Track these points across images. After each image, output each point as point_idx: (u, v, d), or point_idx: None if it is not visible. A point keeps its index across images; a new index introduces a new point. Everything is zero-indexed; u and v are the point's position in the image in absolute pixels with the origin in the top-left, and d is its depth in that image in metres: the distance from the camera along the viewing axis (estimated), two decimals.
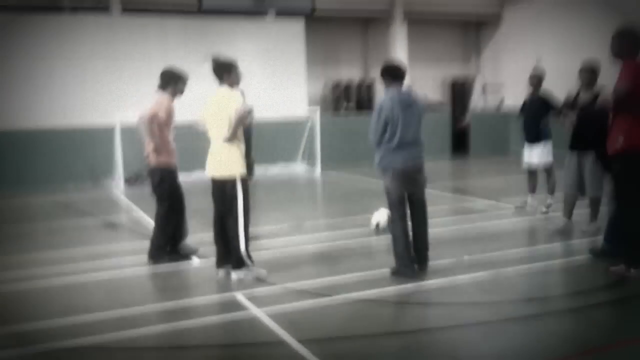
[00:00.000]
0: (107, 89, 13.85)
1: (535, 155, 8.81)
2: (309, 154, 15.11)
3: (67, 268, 6.56)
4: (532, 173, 9.05)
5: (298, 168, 15.14)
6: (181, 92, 6.75)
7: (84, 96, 13.80)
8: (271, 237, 7.86)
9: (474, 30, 20.03)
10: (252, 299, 5.42)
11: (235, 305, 5.29)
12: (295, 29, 15.80)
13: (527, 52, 17.17)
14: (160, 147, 6.57)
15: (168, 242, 6.73)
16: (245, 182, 6.01)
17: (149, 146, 6.63)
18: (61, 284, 6.08)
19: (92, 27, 13.98)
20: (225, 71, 6.01)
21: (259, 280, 5.94)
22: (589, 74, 7.22)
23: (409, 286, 5.66)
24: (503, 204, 9.44)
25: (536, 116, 8.68)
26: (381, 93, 19.13)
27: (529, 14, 17.77)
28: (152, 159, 6.63)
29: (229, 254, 6.07)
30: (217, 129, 5.95)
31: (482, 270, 6.06)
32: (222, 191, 5.99)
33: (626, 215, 5.76)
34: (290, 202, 10.82)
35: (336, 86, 17.95)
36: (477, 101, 19.68)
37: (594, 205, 7.39)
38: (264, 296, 5.55)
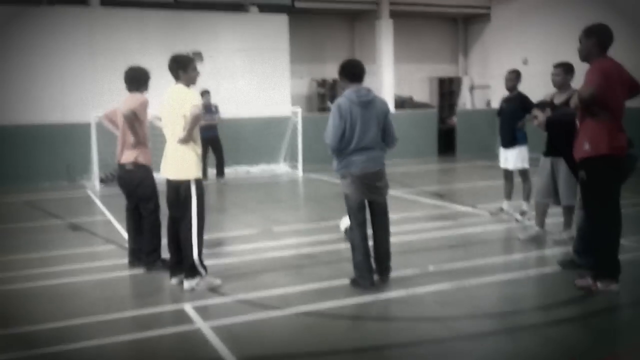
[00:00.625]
0: (84, 84, 13.59)
1: (511, 160, 8.58)
2: (291, 154, 14.87)
3: (17, 273, 6.33)
4: (507, 178, 8.82)
5: (280, 169, 14.92)
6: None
7: (61, 91, 13.55)
8: (236, 243, 7.65)
9: (461, 27, 19.75)
10: (200, 311, 5.20)
11: (181, 318, 5.07)
12: (279, 24, 15.54)
13: (516, 50, 16.94)
14: (141, 144, 6.34)
15: (160, 245, 6.46)
16: (200, 185, 5.79)
17: (124, 143, 6.39)
18: (4, 290, 5.86)
19: (70, 20, 13.70)
20: (181, 68, 5.76)
21: (212, 290, 5.72)
22: (561, 75, 6.97)
23: (367, 298, 5.44)
24: (478, 210, 9.22)
25: (511, 119, 8.42)
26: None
27: (519, 10, 17.45)
28: (131, 157, 6.36)
29: (182, 261, 5.84)
30: (172, 128, 5.73)
31: (445, 281, 5.84)
32: (176, 194, 5.76)
33: (593, 226, 5.54)
34: (264, 204, 10.58)
35: (321, 84, 17.70)
36: (464, 100, 19.45)
37: (567, 213, 7.16)
38: (213, 308, 5.33)
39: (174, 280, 5.94)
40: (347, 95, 5.68)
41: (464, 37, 19.79)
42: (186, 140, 5.65)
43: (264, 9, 15.44)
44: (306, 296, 5.54)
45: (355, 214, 5.74)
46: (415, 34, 18.90)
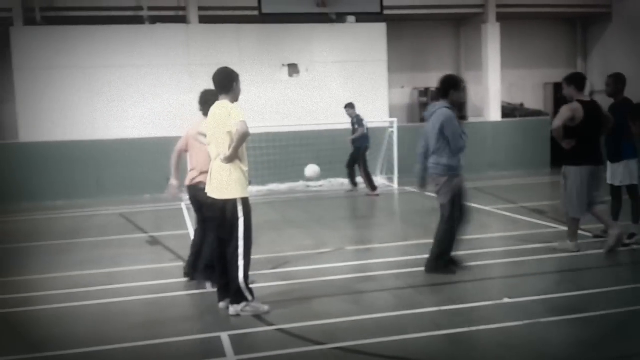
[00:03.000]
0: (180, 98, 13.79)
1: (617, 175, 7.50)
2: (386, 166, 14.28)
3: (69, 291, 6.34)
4: (614, 196, 7.72)
5: (377, 182, 14.34)
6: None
7: (160, 106, 13.92)
8: (302, 262, 7.23)
9: (579, 28, 18.14)
10: (236, 340, 4.82)
11: (214, 348, 4.71)
12: (376, 33, 15.04)
13: None
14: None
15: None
16: (247, 204, 5.43)
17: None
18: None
19: (169, 36, 14.08)
20: (230, 83, 5.46)
21: (257, 317, 5.33)
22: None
23: (418, 334, 4.79)
24: (581, 231, 8.13)
25: (617, 129, 7.34)
26: (474, 98, 17.93)
27: None
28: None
29: (229, 285, 5.51)
30: (216, 146, 5.42)
31: (513, 320, 5.04)
32: (223, 214, 5.45)
33: None
34: (346, 220, 10.09)
35: (424, 93, 16.94)
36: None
37: None
38: (250, 338, 4.95)
39: (222, 304, 5.62)
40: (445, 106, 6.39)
41: (583, 38, 18.17)
42: (232, 158, 5.31)
43: (361, 18, 15.00)
44: (354, 330, 4.98)
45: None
46: (527, 37, 17.60)
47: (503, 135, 16.01)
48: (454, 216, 6.36)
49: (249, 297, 5.46)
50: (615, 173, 7.52)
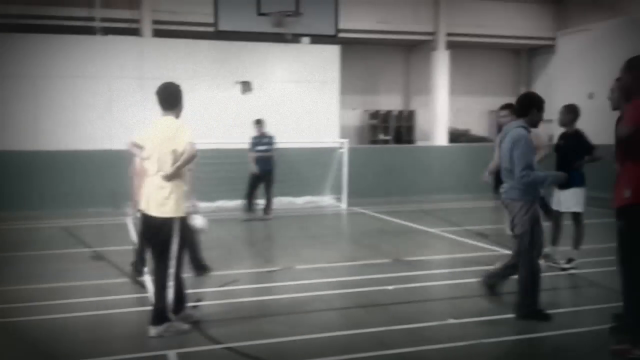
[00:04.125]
0: (131, 111, 13.65)
1: (564, 202, 7.78)
2: (335, 186, 14.43)
3: (20, 304, 6.15)
4: (556, 221, 8.01)
5: (325, 201, 14.50)
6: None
7: (110, 118, 13.72)
8: (251, 281, 7.25)
9: (524, 59, 18.90)
10: (183, 358, 4.79)
11: None
12: (330, 55, 15.27)
13: (582, 83, 15.91)
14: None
15: None
16: (184, 224, 5.39)
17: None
18: None
19: (122, 48, 13.95)
20: (176, 100, 5.42)
21: (207, 335, 5.30)
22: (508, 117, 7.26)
23: (364, 355, 4.87)
24: None
25: (566, 158, 7.65)
26: (422, 123, 18.19)
27: (586, 41, 16.47)
28: None
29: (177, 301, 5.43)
30: (158, 163, 5.27)
31: (457, 340, 5.19)
32: (157, 231, 5.31)
33: (630, 284, 4.79)
34: (295, 239, 10.14)
35: (374, 115, 17.26)
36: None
37: None
38: (198, 357, 4.92)
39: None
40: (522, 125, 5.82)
41: (527, 68, 18.92)
42: (173, 176, 5.25)
43: (316, 40, 15.21)
44: (303, 348, 5.03)
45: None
46: (474, 66, 18.24)
47: (449, 159, 16.41)
48: (535, 245, 5.72)
49: (172, 317, 5.36)
50: (563, 200, 7.80)
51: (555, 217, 7.98)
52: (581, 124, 7.82)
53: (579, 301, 6.62)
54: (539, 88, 18.43)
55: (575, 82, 16.44)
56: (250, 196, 12.09)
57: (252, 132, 12.28)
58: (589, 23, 16.26)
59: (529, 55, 18.85)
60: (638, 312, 4.76)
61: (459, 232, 10.43)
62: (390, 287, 6.71)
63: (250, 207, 12.10)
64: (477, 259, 8.29)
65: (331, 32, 13.75)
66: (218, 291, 6.74)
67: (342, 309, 6.23)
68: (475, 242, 9.55)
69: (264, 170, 11.96)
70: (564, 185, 7.73)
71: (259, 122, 12.14)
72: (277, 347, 5.05)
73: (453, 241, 9.77)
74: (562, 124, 7.89)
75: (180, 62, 14.14)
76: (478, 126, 18.39)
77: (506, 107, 8.03)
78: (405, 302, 6.33)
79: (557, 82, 17.52)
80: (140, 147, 5.41)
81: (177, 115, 5.42)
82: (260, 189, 12.22)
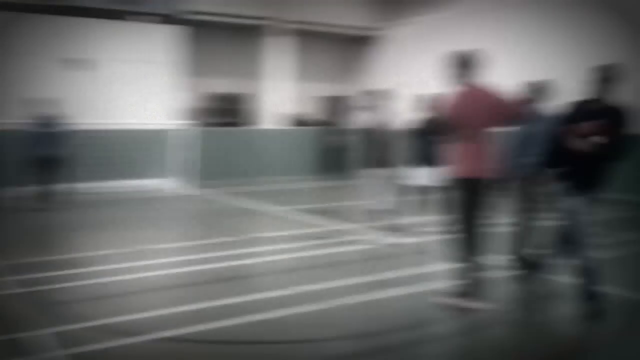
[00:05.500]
0: None
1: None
2: (172, 169, 14.48)
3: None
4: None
5: (154, 184, 14.39)
6: None
7: None
8: (105, 262, 7.25)
9: (355, 47, 20.13)
10: (60, 337, 4.86)
11: (38, 345, 4.70)
12: (172, 35, 15.14)
13: (412, 71, 17.17)
14: None
15: None
16: None
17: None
18: None
19: None
20: None
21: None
22: None
23: (233, 321, 5.28)
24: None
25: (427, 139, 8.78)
26: (262, 107, 18.34)
27: (414, 31, 17.80)
28: None
29: None
30: None
31: (311, 302, 5.79)
32: None
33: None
34: (129, 222, 10.17)
35: (212, 98, 17.44)
36: (356, 119, 19.75)
37: None
38: (72, 334, 5.00)
39: None
40: None
41: (358, 57, 20.15)
42: None
43: (157, 19, 14.97)
44: (172, 320, 5.32)
45: None
46: (307, 52, 19.06)
47: (286, 143, 17.06)
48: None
49: None
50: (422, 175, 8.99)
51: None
52: None
53: None
54: (369, 75, 19.74)
55: (402, 71, 17.87)
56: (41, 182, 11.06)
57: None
58: (418, 16, 17.73)
59: (358, 45, 20.07)
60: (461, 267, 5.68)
61: (292, 210, 11.15)
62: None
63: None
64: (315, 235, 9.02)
65: (173, 12, 13.70)
66: (83, 272, 6.73)
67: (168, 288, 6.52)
68: (304, 219, 10.33)
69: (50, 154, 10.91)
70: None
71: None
72: (146, 321, 5.29)
73: (284, 219, 10.43)
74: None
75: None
76: (311, 110, 19.32)
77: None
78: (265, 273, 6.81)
79: (386, 70, 18.78)
80: None
81: None
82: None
